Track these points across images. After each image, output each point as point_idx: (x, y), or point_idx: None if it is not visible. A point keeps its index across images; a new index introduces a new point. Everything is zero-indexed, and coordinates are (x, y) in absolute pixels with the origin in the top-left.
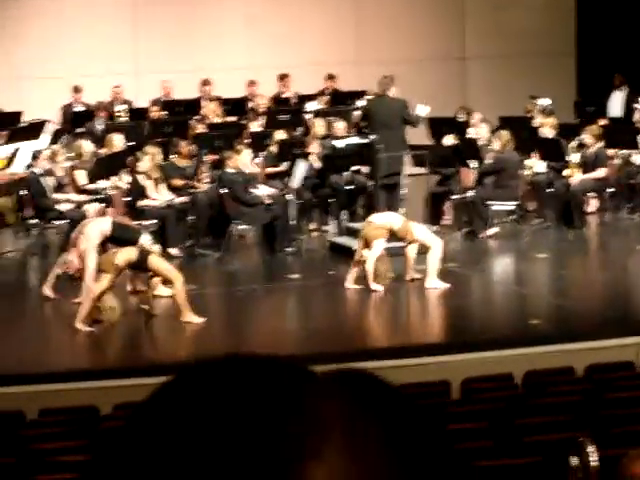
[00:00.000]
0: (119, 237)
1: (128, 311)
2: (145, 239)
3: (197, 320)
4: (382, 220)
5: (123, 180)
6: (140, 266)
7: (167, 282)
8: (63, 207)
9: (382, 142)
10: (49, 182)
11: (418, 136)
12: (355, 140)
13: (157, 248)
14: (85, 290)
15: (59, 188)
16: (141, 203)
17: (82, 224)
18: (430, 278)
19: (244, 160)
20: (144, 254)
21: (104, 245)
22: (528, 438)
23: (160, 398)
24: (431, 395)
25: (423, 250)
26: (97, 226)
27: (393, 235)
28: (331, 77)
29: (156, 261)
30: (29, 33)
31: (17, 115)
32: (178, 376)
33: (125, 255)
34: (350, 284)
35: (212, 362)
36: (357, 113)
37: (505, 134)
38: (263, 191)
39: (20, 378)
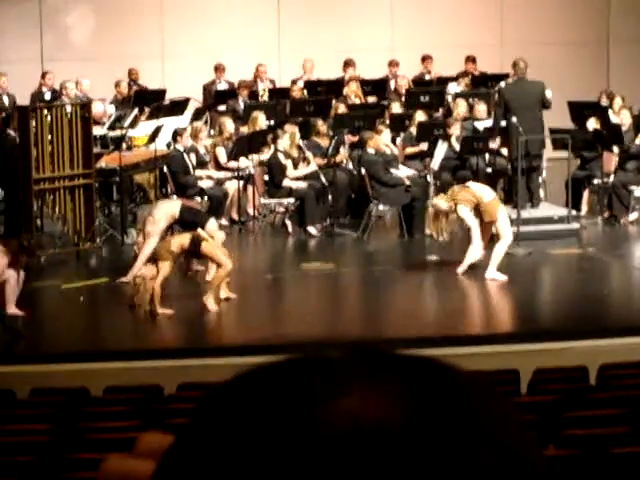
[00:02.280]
0: (187, 221)
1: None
2: (212, 224)
3: (212, 307)
4: (477, 188)
5: (263, 158)
6: (194, 252)
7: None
8: (204, 184)
9: (521, 125)
10: (192, 159)
11: (559, 119)
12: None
13: (222, 235)
14: (133, 270)
15: (201, 165)
16: (282, 181)
17: (153, 205)
18: (491, 268)
19: (384, 140)
20: (198, 240)
21: (171, 229)
22: None
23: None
24: (568, 380)
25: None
26: (165, 210)
27: (478, 210)
28: (472, 59)
29: (209, 247)
30: (173, 12)
31: (161, 93)
32: (241, 377)
33: (179, 241)
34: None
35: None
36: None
37: None
38: (403, 172)
39: (157, 353)
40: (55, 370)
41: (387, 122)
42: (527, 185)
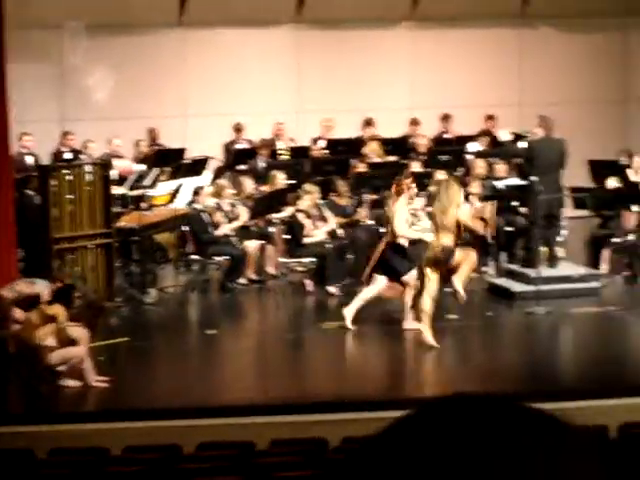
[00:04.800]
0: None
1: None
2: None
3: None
4: None
5: (283, 217)
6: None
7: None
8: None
9: (543, 184)
10: (217, 217)
11: (579, 178)
12: (515, 181)
13: None
14: None
15: (227, 222)
16: (301, 241)
17: None
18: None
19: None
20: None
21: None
22: None
23: (396, 433)
24: None
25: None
26: None
27: None
28: (490, 118)
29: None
30: (194, 71)
31: (181, 152)
32: (415, 414)
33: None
34: None
35: (437, 403)
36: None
37: None
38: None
39: (179, 412)
40: (73, 430)
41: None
42: (546, 244)
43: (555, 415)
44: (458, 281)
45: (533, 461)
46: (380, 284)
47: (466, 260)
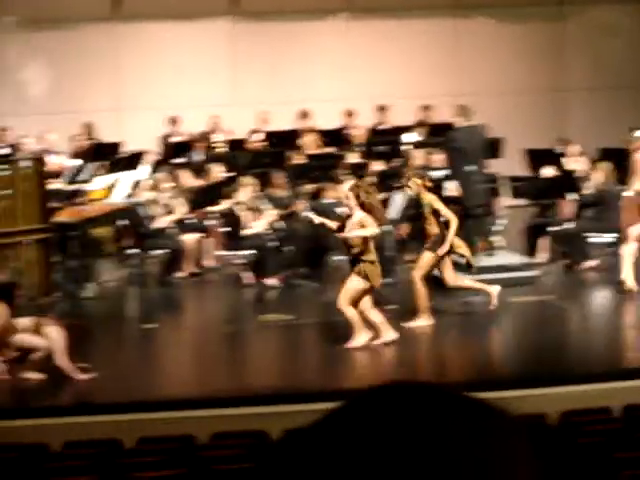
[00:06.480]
0: None
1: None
2: None
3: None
4: None
5: (221, 210)
6: None
7: None
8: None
9: (478, 172)
10: (154, 210)
11: (517, 167)
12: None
13: None
14: None
15: (164, 215)
16: (239, 233)
17: None
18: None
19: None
20: None
21: None
22: (628, 471)
23: (331, 424)
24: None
25: None
26: None
27: None
28: (426, 108)
29: None
30: (128, 65)
31: (116, 146)
32: (350, 403)
33: None
34: None
35: (383, 390)
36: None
37: (607, 165)
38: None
39: (119, 407)
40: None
41: (344, 172)
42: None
43: (489, 403)
44: None
45: (463, 447)
46: None
47: None
